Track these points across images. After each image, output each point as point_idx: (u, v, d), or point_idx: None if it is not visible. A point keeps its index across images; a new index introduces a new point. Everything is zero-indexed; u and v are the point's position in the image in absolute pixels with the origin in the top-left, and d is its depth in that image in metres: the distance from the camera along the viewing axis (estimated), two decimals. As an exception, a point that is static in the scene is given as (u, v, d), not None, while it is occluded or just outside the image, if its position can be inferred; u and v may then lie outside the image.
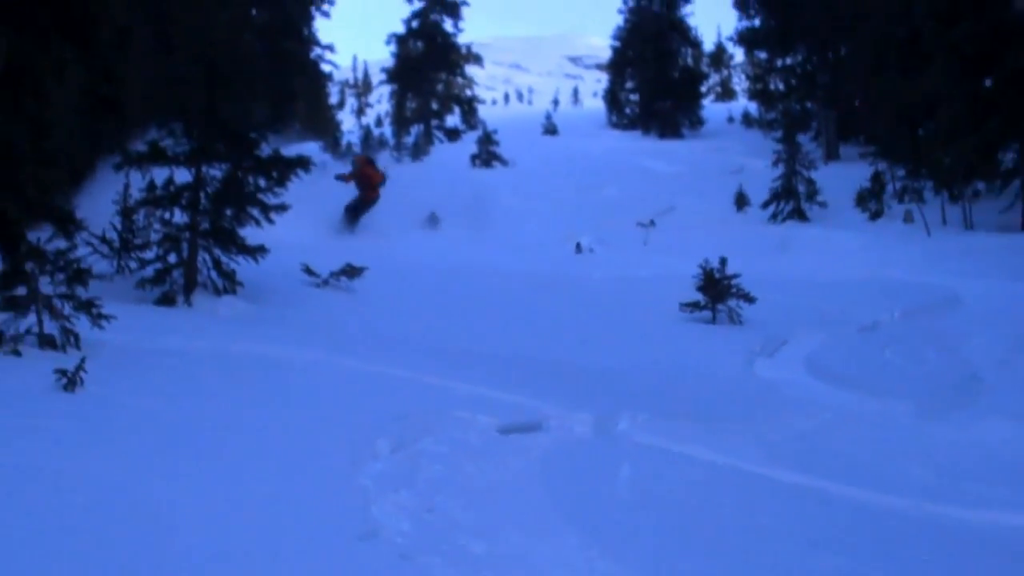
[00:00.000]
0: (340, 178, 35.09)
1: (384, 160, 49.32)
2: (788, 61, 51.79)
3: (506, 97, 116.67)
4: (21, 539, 4.95)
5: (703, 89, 66.33)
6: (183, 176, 19.45)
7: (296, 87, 46.52)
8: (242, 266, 18.54)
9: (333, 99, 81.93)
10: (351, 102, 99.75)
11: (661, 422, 11.81)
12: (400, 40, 62.28)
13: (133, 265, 19.09)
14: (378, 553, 6.71)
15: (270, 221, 19.52)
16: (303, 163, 20.18)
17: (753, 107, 57.48)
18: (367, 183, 33.68)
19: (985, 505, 8.77)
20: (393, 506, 7.89)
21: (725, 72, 77.53)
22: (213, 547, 6.20)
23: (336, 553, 6.64)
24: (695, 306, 19.93)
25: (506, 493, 8.77)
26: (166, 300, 17.96)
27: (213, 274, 18.82)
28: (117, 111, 26.05)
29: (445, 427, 10.87)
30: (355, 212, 33.73)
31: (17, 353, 11.85)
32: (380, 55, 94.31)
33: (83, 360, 10.57)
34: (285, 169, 25.35)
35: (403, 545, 6.94)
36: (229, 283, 18.78)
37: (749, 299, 19.73)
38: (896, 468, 10.00)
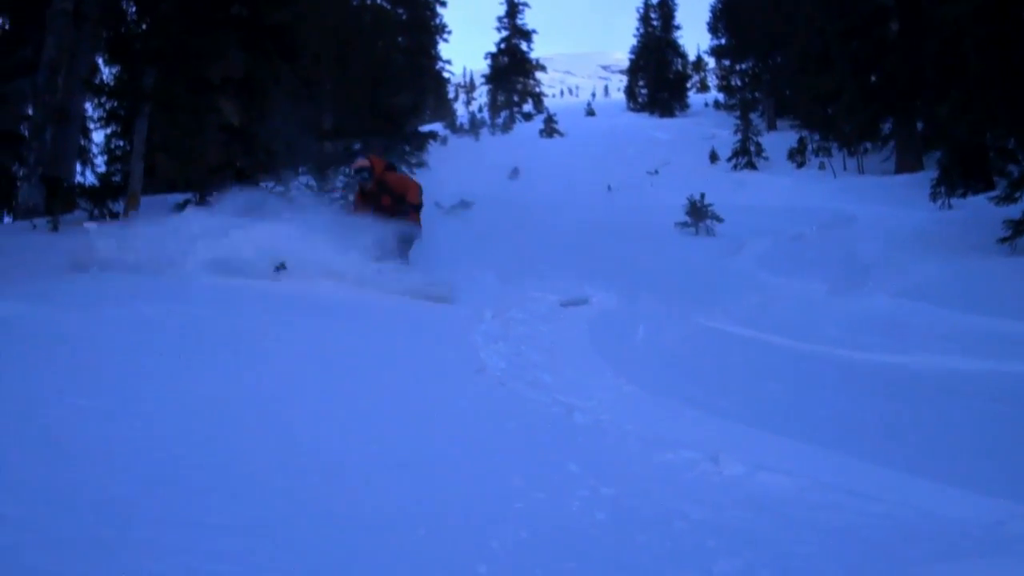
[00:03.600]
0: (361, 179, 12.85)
1: (483, 134, 49.44)
2: (742, 66, 53.87)
3: (561, 92, 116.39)
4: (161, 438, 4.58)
5: (688, 85, 68.24)
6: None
7: (426, 87, 46.96)
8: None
9: (451, 95, 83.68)
10: (462, 97, 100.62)
11: (663, 298, 11.92)
12: (493, 56, 67.46)
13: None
14: (486, 381, 6.75)
15: (413, 172, 19.77)
16: (432, 135, 20.70)
17: (721, 96, 58.67)
18: (395, 199, 12.60)
19: (872, 350, 8.76)
20: (494, 352, 7.96)
21: (703, 73, 77.85)
22: (374, 386, 6.22)
23: (460, 381, 6.70)
24: (684, 224, 20.30)
25: (565, 344, 8.85)
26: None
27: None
28: (312, 104, 26.27)
29: (525, 303, 11.07)
30: (407, 243, 12.44)
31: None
32: (480, 65, 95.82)
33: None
34: (421, 140, 25.57)
35: (501, 376, 6.99)
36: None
37: (719, 219, 20.22)
38: (814, 326, 9.99)
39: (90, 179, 21.69)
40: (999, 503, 4.33)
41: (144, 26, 16.37)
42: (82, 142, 22.52)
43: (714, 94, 64.89)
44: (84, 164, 23.64)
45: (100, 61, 20.49)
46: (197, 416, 4.49)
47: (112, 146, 25.36)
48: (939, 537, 3.79)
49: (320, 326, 7.99)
